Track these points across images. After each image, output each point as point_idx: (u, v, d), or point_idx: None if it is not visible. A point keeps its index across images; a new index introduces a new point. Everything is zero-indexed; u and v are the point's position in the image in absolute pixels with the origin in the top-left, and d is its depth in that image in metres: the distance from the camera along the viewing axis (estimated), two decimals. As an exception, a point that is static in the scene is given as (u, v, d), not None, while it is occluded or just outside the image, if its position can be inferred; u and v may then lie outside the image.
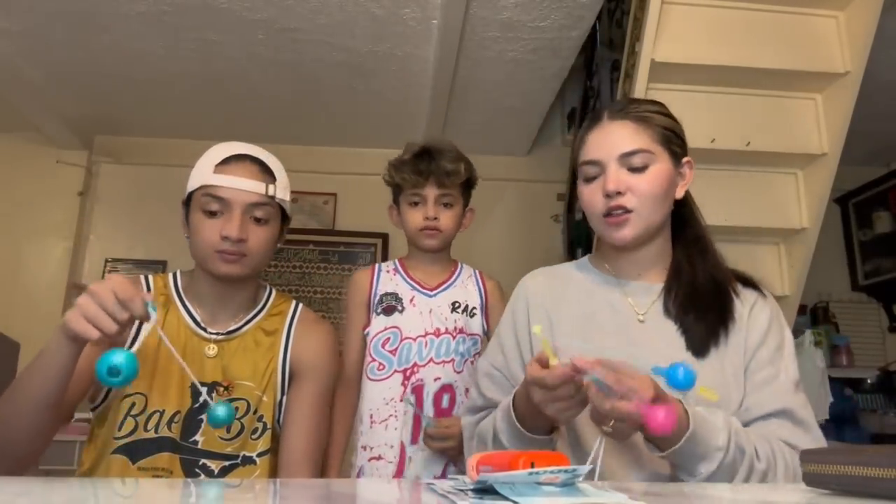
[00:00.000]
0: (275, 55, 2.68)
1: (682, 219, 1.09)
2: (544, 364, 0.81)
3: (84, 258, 3.36)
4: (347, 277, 3.43)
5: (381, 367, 1.48)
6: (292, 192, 1.23)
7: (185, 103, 3.13)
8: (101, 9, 2.38)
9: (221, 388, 1.14)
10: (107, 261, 3.35)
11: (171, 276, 1.23)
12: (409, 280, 1.56)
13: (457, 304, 1.53)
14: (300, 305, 1.28)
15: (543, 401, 0.81)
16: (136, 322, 1.12)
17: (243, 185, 1.11)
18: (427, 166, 1.49)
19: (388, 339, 1.49)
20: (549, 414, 0.83)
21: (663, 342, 0.98)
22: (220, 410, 0.90)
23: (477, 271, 1.62)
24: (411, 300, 1.52)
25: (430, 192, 1.51)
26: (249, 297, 1.22)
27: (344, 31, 2.50)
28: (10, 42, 2.58)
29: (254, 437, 1.15)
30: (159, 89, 2.99)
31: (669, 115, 1.05)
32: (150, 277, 1.21)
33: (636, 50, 2.04)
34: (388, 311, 1.51)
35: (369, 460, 1.44)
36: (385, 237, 3.46)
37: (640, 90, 2.02)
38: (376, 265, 1.60)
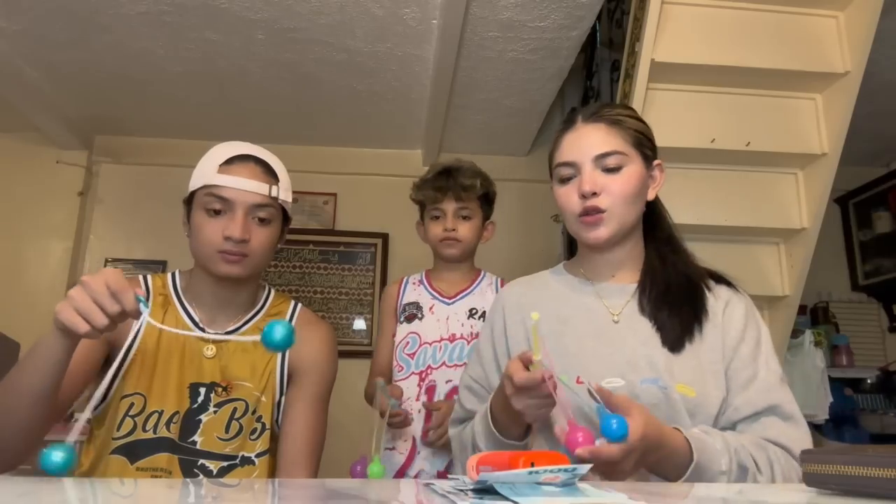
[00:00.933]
0: (275, 55, 2.68)
1: (652, 220, 1.12)
2: (527, 363, 0.83)
3: (84, 258, 3.36)
4: (348, 277, 3.44)
5: (401, 368, 1.63)
6: (292, 192, 1.23)
7: (185, 103, 3.13)
8: (102, 9, 2.38)
9: (220, 389, 1.14)
10: (107, 261, 3.35)
11: (169, 276, 1.22)
12: (430, 290, 1.70)
13: (473, 311, 1.65)
14: (299, 305, 1.28)
15: (515, 396, 0.84)
16: (134, 325, 1.12)
17: (247, 185, 1.10)
18: (445, 183, 1.63)
19: (408, 343, 1.64)
20: (519, 409, 0.85)
21: (638, 340, 1.00)
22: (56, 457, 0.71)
23: (499, 279, 1.71)
24: (430, 308, 1.66)
25: (449, 206, 1.64)
26: (249, 297, 1.22)
27: (344, 31, 2.50)
28: (9, 42, 2.57)
29: (252, 437, 1.14)
30: (159, 89, 2.99)
31: (640, 120, 1.09)
32: (149, 277, 1.20)
33: (636, 50, 2.04)
34: (410, 318, 1.66)
35: (385, 450, 1.59)
36: (385, 237, 3.46)
37: (640, 90, 2.02)
38: (405, 278, 1.76)
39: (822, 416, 2.75)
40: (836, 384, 2.99)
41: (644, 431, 0.78)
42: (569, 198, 1.04)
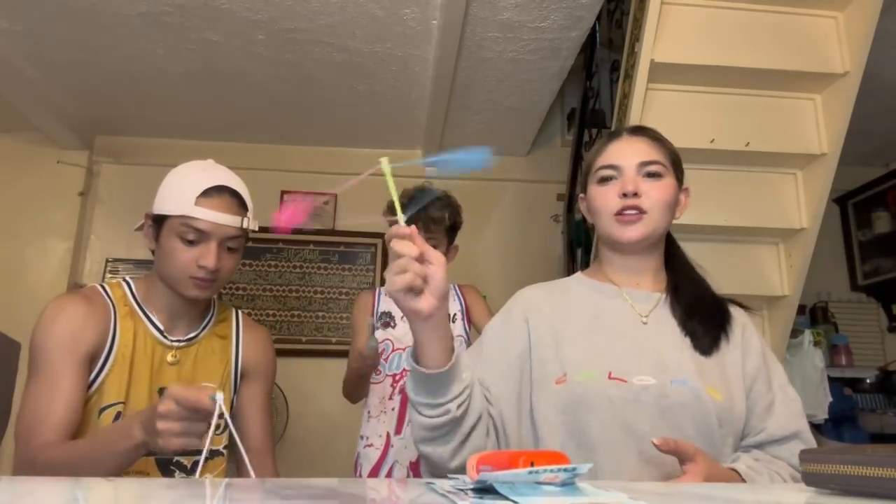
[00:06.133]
0: (275, 55, 2.68)
1: (670, 246, 1.18)
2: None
3: (85, 258, 3.36)
4: (348, 277, 3.44)
5: (378, 371, 1.78)
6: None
7: (185, 103, 3.13)
8: (102, 9, 2.38)
9: None
10: (107, 261, 3.35)
11: (124, 285, 1.26)
12: None
13: None
14: (239, 311, 1.39)
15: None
16: (110, 335, 1.17)
17: (223, 219, 1.18)
18: (415, 213, 1.73)
19: (384, 349, 1.77)
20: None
21: (668, 343, 1.04)
22: None
23: (455, 285, 1.89)
24: (402, 317, 1.76)
25: None
26: (204, 307, 1.31)
27: (344, 31, 2.51)
28: (10, 42, 2.58)
29: (218, 432, 1.24)
30: (160, 89, 2.99)
31: (674, 147, 1.17)
32: (108, 288, 1.24)
33: (636, 50, 2.04)
34: (385, 325, 1.80)
35: (364, 447, 1.75)
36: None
37: (639, 90, 2.02)
38: (378, 289, 1.90)
39: (822, 415, 2.76)
40: (836, 384, 2.99)
41: (708, 472, 0.84)
42: (607, 196, 1.09)
